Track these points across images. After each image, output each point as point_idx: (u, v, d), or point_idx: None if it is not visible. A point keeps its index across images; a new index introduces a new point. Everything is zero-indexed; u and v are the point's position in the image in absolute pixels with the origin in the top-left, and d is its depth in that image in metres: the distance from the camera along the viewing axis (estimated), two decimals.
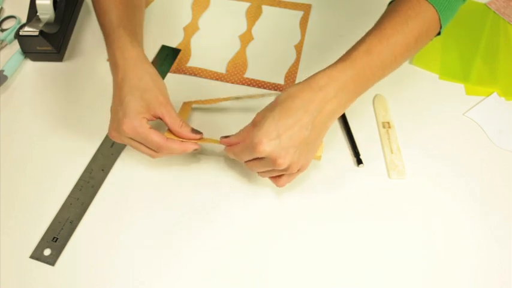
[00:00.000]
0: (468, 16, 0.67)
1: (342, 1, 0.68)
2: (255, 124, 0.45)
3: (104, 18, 0.50)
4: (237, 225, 0.50)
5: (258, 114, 0.45)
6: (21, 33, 0.59)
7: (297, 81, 0.60)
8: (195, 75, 0.61)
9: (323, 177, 0.53)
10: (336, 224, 0.50)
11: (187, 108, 0.55)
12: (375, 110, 0.58)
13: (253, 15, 0.67)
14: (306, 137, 0.43)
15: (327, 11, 0.68)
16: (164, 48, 0.63)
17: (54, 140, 0.56)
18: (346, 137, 0.55)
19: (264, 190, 0.52)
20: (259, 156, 0.43)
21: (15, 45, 0.63)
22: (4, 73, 0.60)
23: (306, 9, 0.68)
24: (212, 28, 0.66)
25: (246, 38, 0.65)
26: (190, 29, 0.66)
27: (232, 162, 0.54)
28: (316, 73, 0.44)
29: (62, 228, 0.49)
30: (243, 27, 0.66)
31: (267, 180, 0.50)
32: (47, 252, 0.48)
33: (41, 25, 0.60)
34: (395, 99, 0.58)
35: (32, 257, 0.48)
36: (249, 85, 0.60)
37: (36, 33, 0.59)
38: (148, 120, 0.47)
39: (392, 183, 0.52)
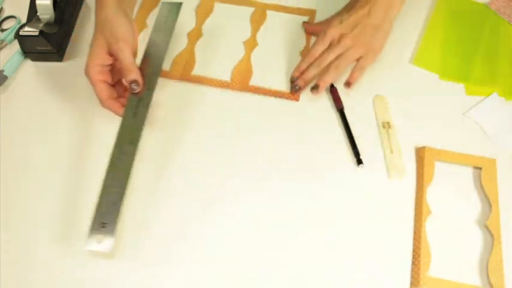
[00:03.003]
0: (468, 16, 0.66)
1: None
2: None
3: None
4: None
5: (329, 17, 0.61)
6: (21, 33, 0.59)
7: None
8: (200, 83, 0.60)
9: (322, 176, 0.53)
10: (335, 223, 0.50)
11: None
12: (374, 110, 0.58)
13: (257, 20, 0.66)
14: (367, 20, 0.55)
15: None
16: (164, 5, 0.59)
17: (54, 140, 0.56)
18: (346, 137, 0.55)
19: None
20: (327, 39, 0.57)
21: (15, 45, 0.63)
22: (4, 73, 0.60)
23: (311, 14, 0.67)
24: (216, 34, 0.65)
25: (250, 44, 0.64)
26: (194, 35, 0.65)
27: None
28: None
29: (108, 212, 0.45)
30: (247, 33, 0.65)
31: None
32: (100, 239, 0.44)
33: (41, 25, 0.60)
34: (395, 99, 0.58)
35: (87, 247, 0.44)
36: (254, 92, 0.59)
37: (36, 33, 0.59)
38: (105, 65, 0.51)
39: (392, 183, 0.53)
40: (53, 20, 0.62)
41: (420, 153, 0.54)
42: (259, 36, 0.65)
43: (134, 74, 0.50)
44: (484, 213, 0.51)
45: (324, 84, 0.57)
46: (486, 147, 0.55)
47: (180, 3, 0.59)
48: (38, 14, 0.61)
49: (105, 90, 0.51)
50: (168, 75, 0.61)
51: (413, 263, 0.48)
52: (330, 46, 0.57)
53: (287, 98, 0.59)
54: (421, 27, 0.66)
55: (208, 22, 0.66)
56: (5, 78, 0.60)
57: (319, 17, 0.66)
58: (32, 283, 0.47)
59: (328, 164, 0.54)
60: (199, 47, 0.63)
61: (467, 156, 0.53)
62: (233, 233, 0.50)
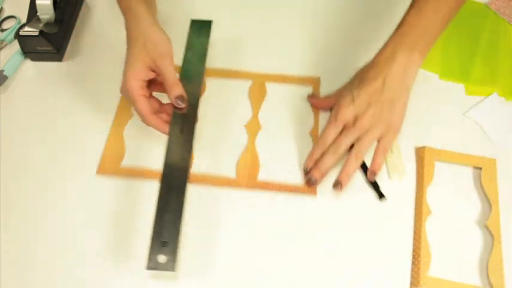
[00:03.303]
0: (468, 16, 0.66)
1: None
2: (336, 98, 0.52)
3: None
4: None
5: (338, 91, 0.54)
6: (21, 33, 0.59)
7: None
8: (204, 183, 0.53)
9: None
10: (336, 223, 0.50)
11: None
12: None
13: (257, 95, 0.58)
14: (381, 96, 0.48)
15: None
16: (194, 22, 0.57)
17: (54, 140, 0.56)
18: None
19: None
20: (340, 122, 0.49)
21: (15, 45, 0.63)
22: (4, 73, 0.60)
23: (315, 83, 0.59)
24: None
25: (253, 128, 0.56)
26: None
27: None
28: (380, 50, 0.51)
29: (168, 231, 0.43)
30: (248, 113, 0.57)
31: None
32: (162, 259, 0.42)
33: (41, 25, 0.60)
34: None
35: (149, 268, 0.42)
36: (264, 189, 0.52)
37: (36, 33, 0.59)
38: (146, 80, 0.48)
39: (392, 183, 0.52)
40: (53, 20, 0.62)
41: (420, 153, 0.54)
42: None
43: (179, 89, 0.48)
44: (484, 213, 0.51)
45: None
46: (486, 147, 0.55)
47: (210, 22, 0.57)
48: (38, 14, 0.61)
49: (147, 106, 0.48)
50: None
51: (413, 263, 0.48)
52: (345, 129, 0.50)
53: (303, 193, 0.52)
54: None
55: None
56: (5, 78, 0.60)
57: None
58: (32, 283, 0.47)
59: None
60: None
61: (467, 156, 0.53)
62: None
